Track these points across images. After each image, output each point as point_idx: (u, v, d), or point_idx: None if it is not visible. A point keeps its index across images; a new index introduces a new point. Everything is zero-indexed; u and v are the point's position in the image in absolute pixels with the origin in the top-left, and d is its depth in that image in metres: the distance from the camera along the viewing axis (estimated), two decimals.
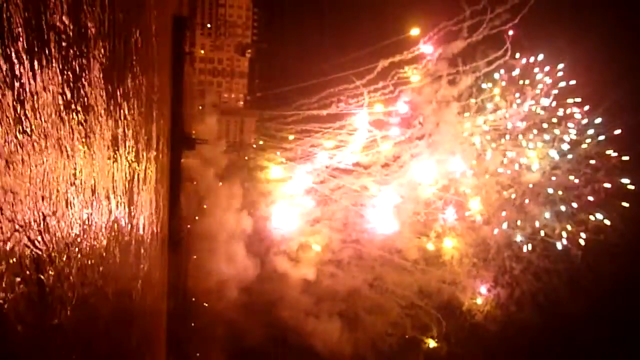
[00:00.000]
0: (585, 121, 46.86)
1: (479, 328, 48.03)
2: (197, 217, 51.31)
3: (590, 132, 46.76)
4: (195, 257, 50.25)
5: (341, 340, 48.01)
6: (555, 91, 47.24)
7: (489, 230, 48.19)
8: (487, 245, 48.07)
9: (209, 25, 51.33)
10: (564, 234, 47.04)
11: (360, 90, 46.88)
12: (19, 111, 4.27)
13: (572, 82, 46.44)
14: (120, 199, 13.74)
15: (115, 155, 12.44)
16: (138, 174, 18.59)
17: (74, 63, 6.50)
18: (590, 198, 46.55)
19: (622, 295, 45.09)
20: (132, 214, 16.55)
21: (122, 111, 13.68)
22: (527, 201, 47.78)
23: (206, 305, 51.99)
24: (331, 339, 47.45)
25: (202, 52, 50.87)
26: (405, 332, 48.83)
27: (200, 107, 50.99)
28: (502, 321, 47.57)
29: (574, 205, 46.99)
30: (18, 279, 4.37)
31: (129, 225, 15.86)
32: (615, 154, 46.03)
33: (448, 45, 45.65)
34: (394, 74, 46.68)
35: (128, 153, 15.35)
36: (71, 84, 6.33)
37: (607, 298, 45.26)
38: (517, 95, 47.77)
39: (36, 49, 4.78)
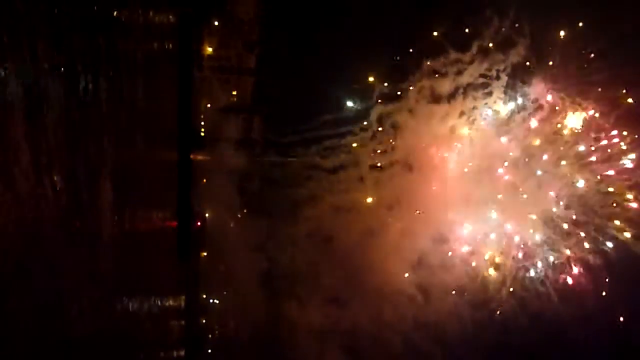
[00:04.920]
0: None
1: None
2: (207, 214, 51.55)
3: None
4: (205, 254, 50.56)
5: None
6: None
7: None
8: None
9: (215, 23, 51.30)
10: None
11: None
12: None
13: None
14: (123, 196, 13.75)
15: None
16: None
17: None
18: None
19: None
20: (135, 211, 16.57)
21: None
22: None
23: (217, 302, 52.33)
24: None
25: (210, 49, 50.86)
26: None
27: (209, 105, 51.10)
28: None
29: None
30: None
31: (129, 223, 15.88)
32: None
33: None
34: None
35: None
36: None
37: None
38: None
39: None
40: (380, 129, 48.37)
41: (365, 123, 48.25)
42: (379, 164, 48.80)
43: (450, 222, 48.19)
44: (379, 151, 48.78)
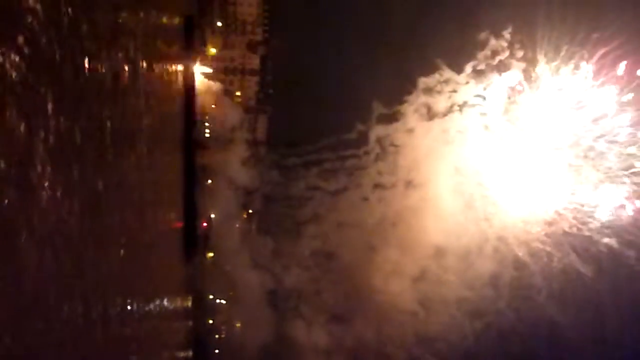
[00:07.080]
0: None
1: None
2: (212, 215, 51.66)
3: None
4: (211, 254, 50.64)
5: None
6: None
7: None
8: None
9: (219, 24, 51.36)
10: None
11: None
12: None
13: None
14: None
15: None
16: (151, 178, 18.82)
17: None
18: None
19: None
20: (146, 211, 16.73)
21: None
22: None
23: (224, 302, 52.40)
24: None
25: (213, 50, 50.91)
26: None
27: (213, 106, 51.14)
28: None
29: None
30: None
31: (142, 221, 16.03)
32: None
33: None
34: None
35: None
36: None
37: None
38: None
39: None
40: (380, 149, 48.62)
41: (366, 145, 48.64)
42: (381, 184, 49.00)
43: (449, 237, 47.82)
44: (380, 172, 48.95)
